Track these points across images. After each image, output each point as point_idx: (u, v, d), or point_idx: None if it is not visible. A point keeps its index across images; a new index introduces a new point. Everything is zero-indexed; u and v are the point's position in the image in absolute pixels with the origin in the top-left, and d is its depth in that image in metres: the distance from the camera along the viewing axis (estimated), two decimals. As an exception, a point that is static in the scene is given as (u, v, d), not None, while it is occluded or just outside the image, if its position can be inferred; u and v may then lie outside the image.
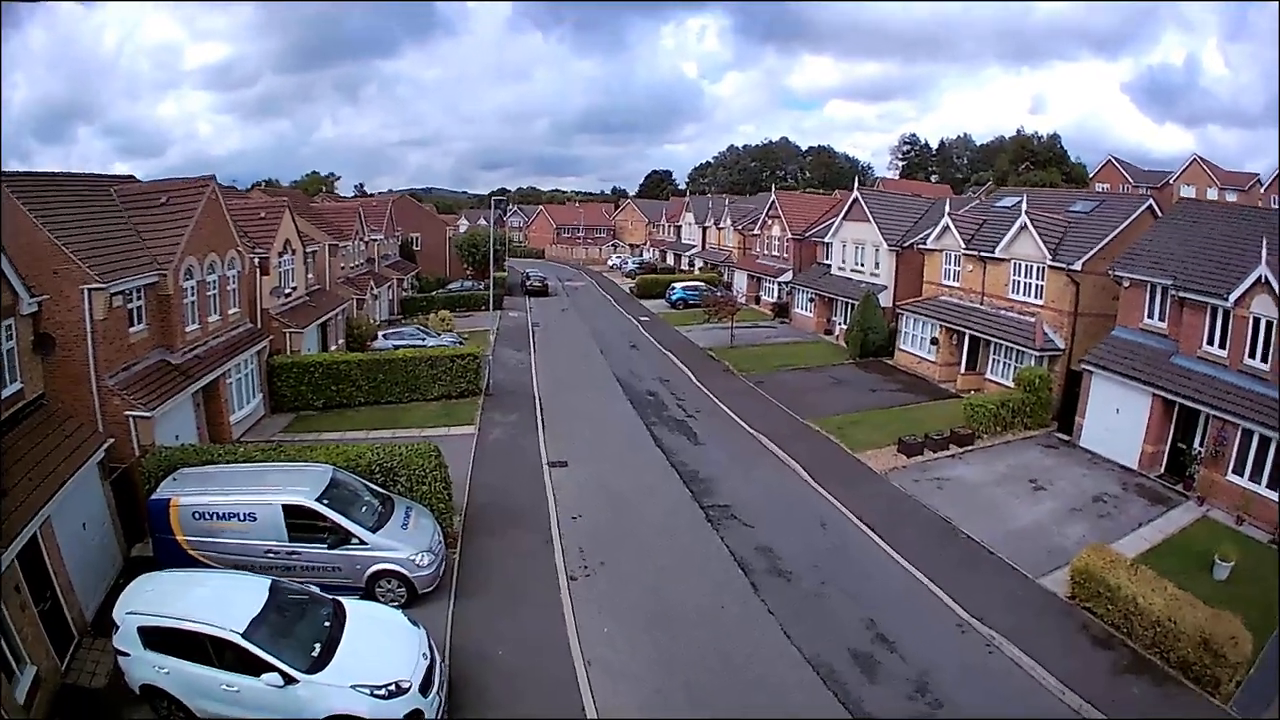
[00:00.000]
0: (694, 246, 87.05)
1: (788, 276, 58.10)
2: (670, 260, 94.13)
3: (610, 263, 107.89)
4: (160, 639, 12.82)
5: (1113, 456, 26.06)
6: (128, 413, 20.44)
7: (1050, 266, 32.30)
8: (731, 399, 34.79)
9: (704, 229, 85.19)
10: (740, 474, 25.30)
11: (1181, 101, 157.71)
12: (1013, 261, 34.62)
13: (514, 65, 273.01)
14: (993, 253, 35.31)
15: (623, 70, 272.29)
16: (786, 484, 24.84)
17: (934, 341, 38.57)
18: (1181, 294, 24.89)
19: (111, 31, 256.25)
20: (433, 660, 13.58)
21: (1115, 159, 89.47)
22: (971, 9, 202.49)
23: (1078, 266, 31.09)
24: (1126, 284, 27.76)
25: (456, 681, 14.38)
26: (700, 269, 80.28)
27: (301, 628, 13.37)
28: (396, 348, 39.19)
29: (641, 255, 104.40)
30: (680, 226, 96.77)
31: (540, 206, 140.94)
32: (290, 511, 16.78)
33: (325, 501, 17.03)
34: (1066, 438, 28.58)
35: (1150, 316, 26.92)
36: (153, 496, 17.26)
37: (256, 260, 32.06)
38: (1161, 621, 15.03)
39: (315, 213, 50.41)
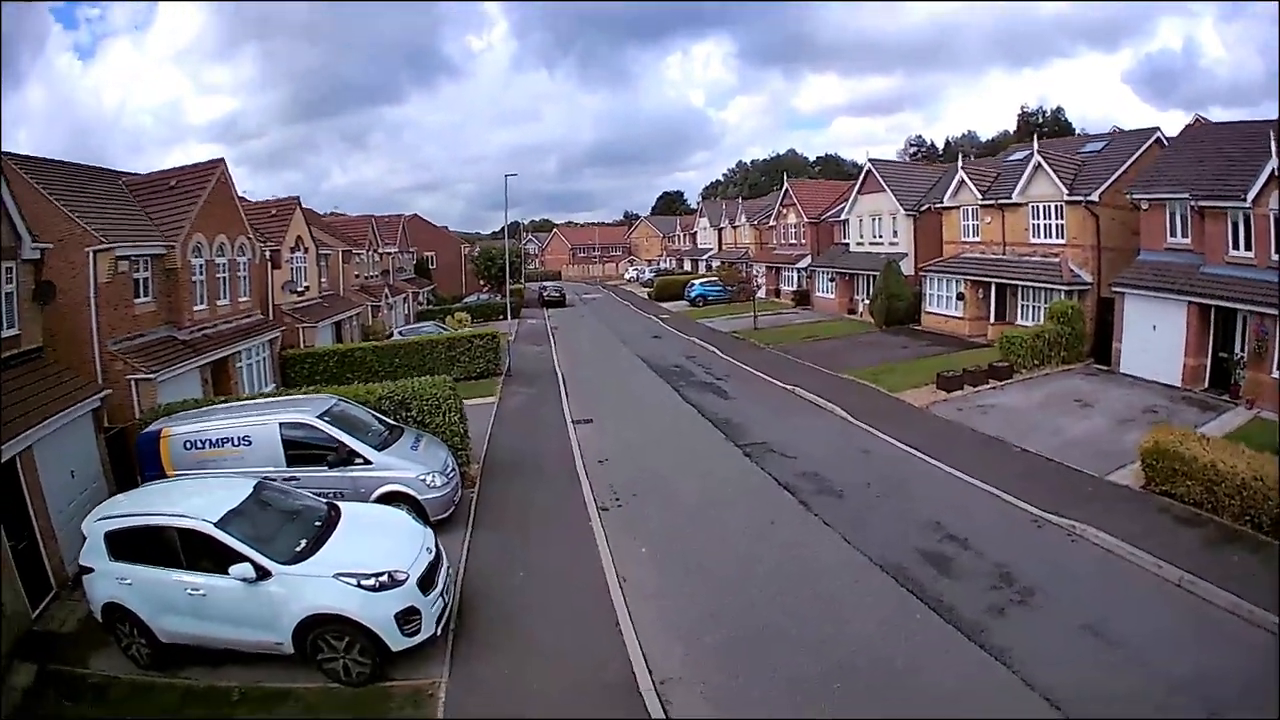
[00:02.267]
0: (710, 249, 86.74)
1: (806, 261, 57.21)
2: (687, 266, 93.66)
3: (627, 276, 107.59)
4: (128, 544, 11.45)
5: (1155, 377, 25.12)
6: (129, 377, 20.05)
7: (1068, 202, 31.67)
8: (760, 364, 33.95)
9: (719, 230, 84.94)
10: (775, 419, 24.30)
11: (1183, 85, 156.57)
12: (1030, 205, 33.93)
13: (520, 104, 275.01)
14: (1010, 198, 34.65)
15: (630, 103, 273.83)
16: (824, 423, 23.88)
17: (960, 297, 37.77)
18: (1200, 204, 24.40)
19: (111, 92, 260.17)
20: (437, 558, 12.04)
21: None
22: (970, 16, 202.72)
23: (1095, 198, 30.57)
24: (1146, 206, 27.26)
25: (470, 600, 13.10)
26: (718, 268, 79.53)
27: (287, 526, 11.91)
28: (414, 340, 38.60)
29: (658, 265, 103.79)
30: (695, 233, 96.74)
31: (555, 229, 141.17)
32: (289, 432, 15.69)
33: (326, 419, 16.06)
34: (1105, 368, 27.72)
35: (1173, 235, 26.29)
36: (143, 431, 16.43)
37: (268, 253, 31.87)
38: (1248, 483, 13.76)
39: (328, 224, 50.46)
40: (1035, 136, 37.91)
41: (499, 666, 11.11)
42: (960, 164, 39.45)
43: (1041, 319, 31.08)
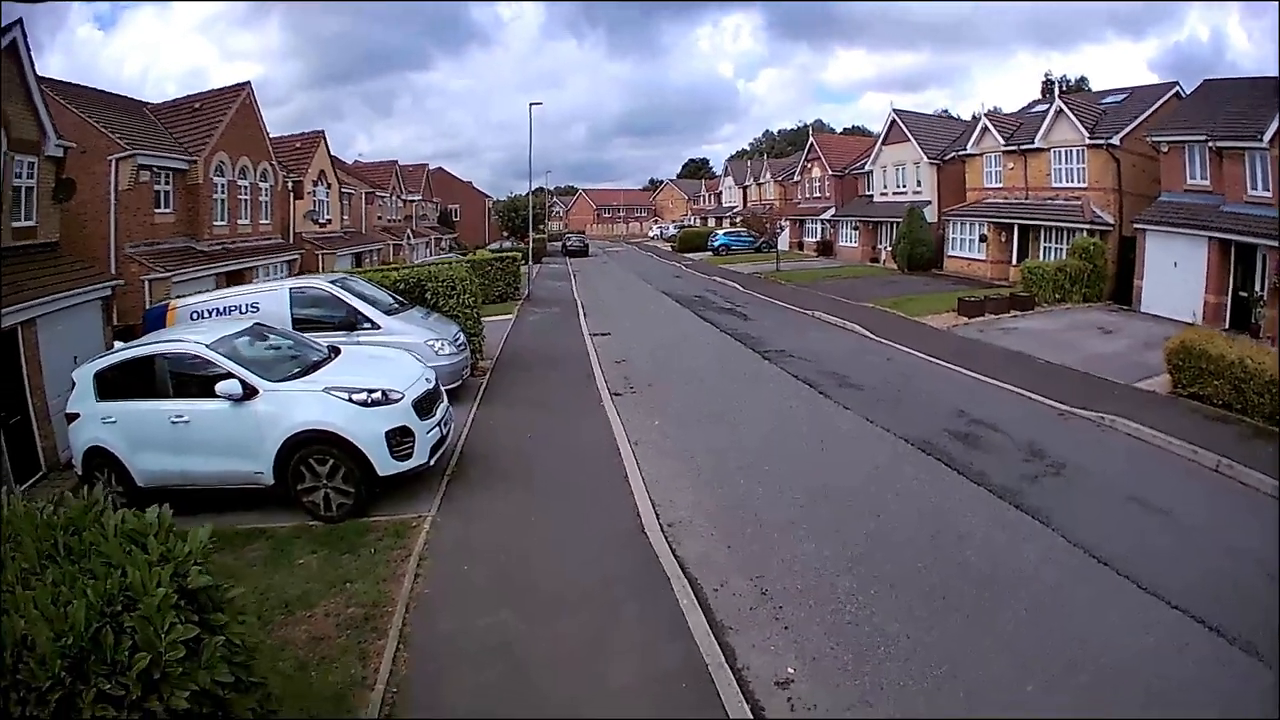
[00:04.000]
0: (735, 206, 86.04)
1: (830, 213, 56.92)
2: (711, 224, 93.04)
3: (651, 234, 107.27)
4: (116, 380, 11.08)
5: (1175, 315, 24.68)
6: (144, 277, 20.24)
7: (1089, 145, 31.51)
8: (780, 296, 33.94)
9: (744, 189, 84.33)
10: (795, 335, 24.15)
11: (1210, 76, 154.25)
12: (1052, 150, 33.71)
13: (548, 73, 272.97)
14: (1032, 143, 34.41)
15: (658, 73, 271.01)
16: (845, 339, 23.78)
17: (982, 239, 37.55)
18: (1219, 145, 24.32)
19: (134, 61, 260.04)
20: (436, 390, 11.75)
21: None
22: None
23: (1117, 142, 30.45)
24: (1165, 149, 27.16)
25: (471, 456, 12.83)
26: (741, 220, 79.01)
27: (281, 358, 11.65)
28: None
29: (682, 224, 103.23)
30: (720, 192, 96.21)
31: (580, 191, 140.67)
32: (298, 296, 15.36)
33: (337, 285, 15.89)
34: (1125, 307, 27.50)
35: (1192, 177, 26.17)
36: (151, 306, 16.29)
37: (290, 183, 32.12)
38: (1277, 379, 13.53)
39: (353, 169, 50.60)
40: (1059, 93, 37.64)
41: (495, 506, 10.80)
42: (984, 112, 39.18)
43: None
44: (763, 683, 6.79)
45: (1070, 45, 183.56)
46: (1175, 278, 25.29)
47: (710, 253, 63.71)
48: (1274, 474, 11.31)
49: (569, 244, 75.07)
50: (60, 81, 21.75)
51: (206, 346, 10.88)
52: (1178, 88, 31.56)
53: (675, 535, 9.84)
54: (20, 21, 15.77)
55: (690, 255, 64.81)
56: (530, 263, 46.97)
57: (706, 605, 8.06)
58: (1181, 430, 13.50)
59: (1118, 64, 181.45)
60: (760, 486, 11.42)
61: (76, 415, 11.30)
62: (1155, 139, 27.60)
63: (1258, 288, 23.00)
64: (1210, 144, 24.68)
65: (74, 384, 11.57)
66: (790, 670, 6.96)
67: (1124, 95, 34.46)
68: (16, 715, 3.59)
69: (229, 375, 10.48)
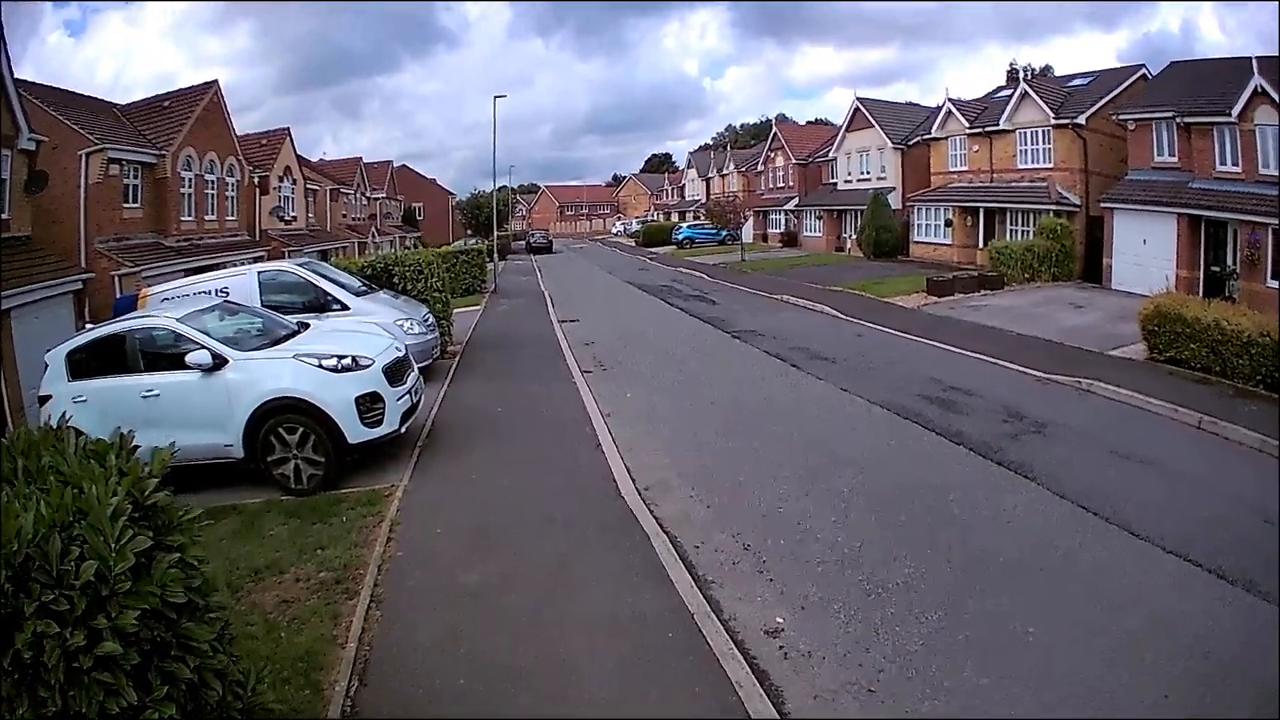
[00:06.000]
0: (698, 200, 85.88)
1: (794, 203, 57.00)
2: (675, 218, 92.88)
3: (614, 230, 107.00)
4: (88, 360, 11.04)
5: (1147, 291, 24.69)
6: (114, 273, 20.14)
7: (1055, 126, 31.67)
8: (747, 284, 33.78)
9: (707, 181, 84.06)
10: (764, 317, 24.01)
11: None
12: (1018, 131, 33.83)
13: (515, 72, 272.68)
14: (997, 125, 34.54)
15: (625, 71, 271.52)
16: (814, 319, 23.67)
17: (948, 224, 37.65)
18: (1187, 120, 24.52)
19: (105, 67, 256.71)
20: (406, 359, 11.74)
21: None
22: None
23: (1082, 121, 30.64)
24: (1133, 127, 27.35)
25: (442, 428, 12.73)
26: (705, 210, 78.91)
27: (251, 331, 11.66)
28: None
29: (645, 220, 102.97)
30: (683, 185, 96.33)
31: (543, 189, 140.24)
32: (267, 280, 15.33)
33: (305, 269, 15.94)
34: (1096, 285, 27.70)
35: (1160, 154, 26.34)
36: (121, 295, 16.19)
37: (256, 179, 31.79)
38: (1255, 340, 13.57)
39: (318, 166, 50.07)
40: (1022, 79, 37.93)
41: (468, 473, 10.60)
42: (947, 97, 39.30)
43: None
44: (752, 632, 6.57)
45: (1040, 38, 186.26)
46: (1145, 255, 25.43)
47: (675, 246, 63.93)
48: (1258, 430, 11.31)
49: (533, 241, 74.96)
50: (32, 82, 21.53)
51: (177, 320, 10.83)
52: (1144, 70, 31.74)
53: (652, 496, 9.59)
54: None
55: (655, 249, 64.90)
56: (496, 259, 46.59)
57: (688, 561, 7.82)
58: (1161, 392, 13.47)
59: (1087, 54, 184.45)
60: (735, 449, 11.25)
61: (49, 397, 11.10)
62: (1122, 117, 27.78)
63: (1230, 261, 23.21)
64: (1179, 120, 24.80)
65: (46, 366, 11.39)
66: (779, 619, 6.75)
67: (1090, 78, 34.67)
68: None
69: (200, 348, 10.33)
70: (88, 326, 13.06)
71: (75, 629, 3.39)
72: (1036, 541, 8.01)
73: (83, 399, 10.66)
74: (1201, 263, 24.23)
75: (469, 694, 5.81)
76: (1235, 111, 22.40)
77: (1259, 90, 21.60)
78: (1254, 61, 21.99)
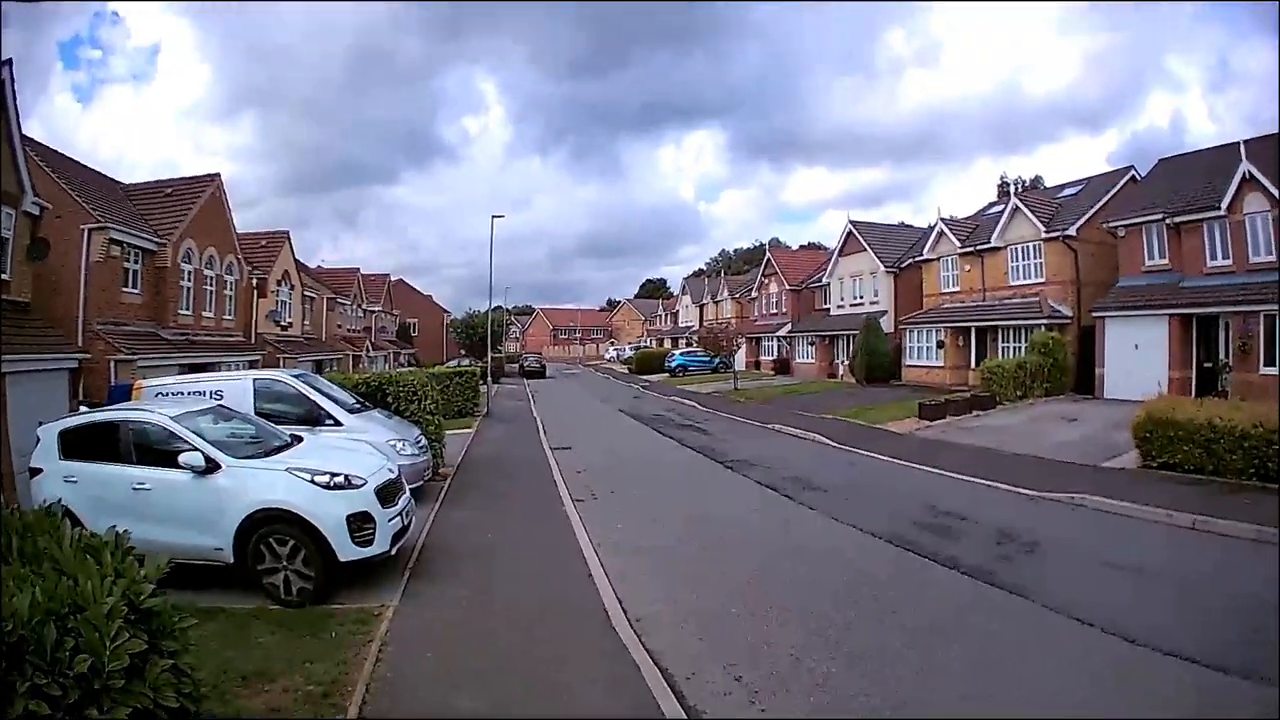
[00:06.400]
0: (691, 326, 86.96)
1: (787, 329, 57.74)
2: (668, 344, 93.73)
3: (607, 356, 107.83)
4: (80, 441, 11.02)
5: (1141, 397, 24.84)
6: (110, 357, 20.12)
7: (1046, 239, 32.55)
8: (740, 413, 33.72)
9: (700, 307, 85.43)
10: (756, 446, 23.85)
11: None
12: (1009, 248, 34.83)
13: (513, 191, 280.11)
14: (988, 242, 35.52)
15: (621, 194, 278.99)
16: (806, 447, 23.58)
17: (939, 346, 38.22)
18: (1176, 220, 25.28)
19: (108, 142, 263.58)
20: (398, 481, 11.56)
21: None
22: (959, 105, 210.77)
23: (1073, 232, 31.49)
24: (1123, 234, 28.18)
25: (432, 551, 12.43)
26: (699, 339, 79.65)
27: (246, 439, 11.69)
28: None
29: (638, 345, 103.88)
30: (677, 311, 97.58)
31: (537, 311, 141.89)
32: (262, 388, 15.36)
33: (301, 380, 15.95)
34: (1089, 396, 28.03)
35: (1150, 257, 27.17)
36: (116, 384, 16.20)
37: (255, 280, 32.08)
38: (1249, 432, 13.74)
39: (315, 273, 50.72)
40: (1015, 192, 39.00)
41: (459, 598, 10.36)
42: (939, 217, 40.28)
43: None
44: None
45: (1029, 147, 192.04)
46: (1137, 359, 25.80)
47: (668, 374, 63.89)
48: (1252, 521, 11.44)
49: (526, 364, 75.19)
50: (38, 142, 21.87)
51: (172, 419, 10.83)
52: (1133, 172, 32.93)
53: (643, 628, 9.29)
54: (10, 63, 15.86)
55: (647, 376, 64.92)
56: (490, 381, 46.71)
57: (679, 692, 7.58)
58: (1153, 498, 13.52)
59: (1077, 160, 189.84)
60: (729, 583, 10.95)
61: (40, 470, 11.11)
62: (1112, 225, 28.52)
63: (1222, 355, 23.56)
64: (1168, 221, 25.49)
65: (38, 440, 11.37)
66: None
67: (1079, 186, 35.84)
68: None
69: (193, 449, 10.33)
70: (83, 409, 13.16)
71: (69, 715, 3.41)
72: (1040, 668, 7.80)
73: (74, 479, 10.67)
74: (1194, 360, 24.64)
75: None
76: (1224, 204, 23.14)
77: (1247, 177, 22.33)
78: (1241, 147, 22.63)
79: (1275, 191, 21.78)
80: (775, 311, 61.43)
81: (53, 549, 4.21)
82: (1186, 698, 6.78)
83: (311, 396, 15.53)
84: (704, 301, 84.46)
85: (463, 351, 78.13)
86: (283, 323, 35.97)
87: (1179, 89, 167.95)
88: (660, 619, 9.58)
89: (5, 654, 3.32)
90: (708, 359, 60.07)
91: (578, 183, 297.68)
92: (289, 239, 38.49)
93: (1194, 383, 24.34)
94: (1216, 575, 9.95)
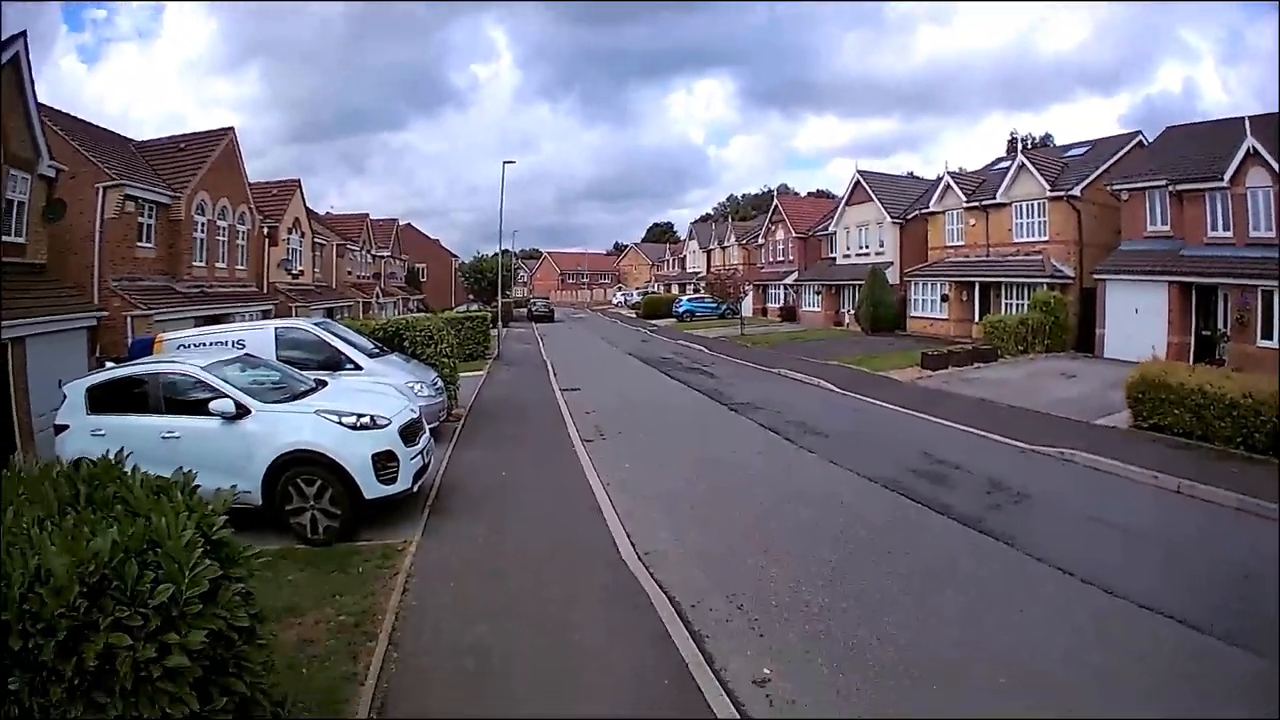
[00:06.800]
0: (698, 272, 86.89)
1: (793, 277, 57.93)
2: (675, 290, 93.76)
3: (615, 300, 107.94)
4: (108, 396, 11.37)
5: (1139, 358, 25.10)
6: (126, 313, 20.43)
7: (1050, 198, 32.61)
8: (746, 357, 34.40)
9: (708, 253, 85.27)
10: (761, 390, 24.44)
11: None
12: (1014, 205, 34.87)
13: (521, 136, 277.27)
14: (994, 198, 35.58)
15: (630, 138, 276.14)
16: (810, 392, 24.15)
17: (944, 299, 38.50)
18: (1179, 189, 25.33)
19: (114, 99, 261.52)
20: (419, 421, 12.13)
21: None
22: (970, 59, 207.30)
23: (1078, 193, 31.55)
24: (1126, 197, 28.23)
25: (449, 490, 13.07)
26: (705, 284, 79.62)
27: (272, 385, 12.06)
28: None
29: (646, 290, 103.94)
30: (684, 256, 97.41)
31: (544, 255, 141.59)
32: (284, 335, 15.89)
33: (321, 328, 16.51)
34: (1089, 354, 28.37)
35: (1153, 223, 27.22)
36: (137, 338, 16.55)
37: (266, 229, 32.32)
38: (1238, 401, 14.04)
39: (325, 220, 50.85)
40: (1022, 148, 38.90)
41: (476, 534, 10.92)
42: (946, 170, 40.31)
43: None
44: (741, 682, 6.94)
45: (1040, 106, 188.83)
46: (1137, 323, 26.09)
47: (675, 319, 64.45)
48: (1236, 490, 11.76)
49: (534, 309, 75.72)
50: (49, 107, 21.91)
51: (202, 369, 11.24)
52: (1140, 136, 32.81)
53: (652, 561, 9.91)
54: (24, 35, 16.05)
55: (655, 321, 65.35)
56: (500, 325, 47.08)
57: (685, 618, 8.18)
58: (1141, 458, 13.91)
59: (1089, 121, 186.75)
60: (731, 521, 11.55)
61: (66, 427, 11.40)
62: (1116, 188, 28.59)
63: (1220, 325, 23.84)
64: (1171, 188, 25.61)
65: (64, 397, 11.73)
66: (766, 670, 7.13)
67: (1087, 147, 35.68)
68: (17, 649, 3.65)
69: (222, 395, 10.76)
70: (109, 364, 13.48)
71: (147, 643, 3.79)
72: (1016, 598, 8.46)
73: (101, 433, 10.94)
74: (1193, 327, 24.94)
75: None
76: (1227, 176, 23.22)
77: (1251, 152, 22.43)
78: (1246, 122, 22.76)
79: (1278, 168, 21.94)
80: (782, 259, 61.54)
81: (124, 493, 4.66)
82: (1164, 653, 7.21)
83: (332, 342, 16.09)
84: (711, 247, 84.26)
85: (471, 296, 78.30)
86: (294, 271, 36.24)
87: (1192, 58, 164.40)
88: (667, 556, 10.17)
89: (86, 594, 3.71)
90: (714, 305, 60.51)
91: (586, 127, 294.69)
92: (300, 187, 38.61)
93: (1192, 349, 24.63)
94: (1201, 540, 10.33)
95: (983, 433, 17.02)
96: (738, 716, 6.32)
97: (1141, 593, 8.39)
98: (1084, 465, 14.28)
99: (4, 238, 16.09)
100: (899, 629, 7.83)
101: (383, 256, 60.23)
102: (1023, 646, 7.42)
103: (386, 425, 11.01)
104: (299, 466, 10.50)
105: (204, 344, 15.28)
